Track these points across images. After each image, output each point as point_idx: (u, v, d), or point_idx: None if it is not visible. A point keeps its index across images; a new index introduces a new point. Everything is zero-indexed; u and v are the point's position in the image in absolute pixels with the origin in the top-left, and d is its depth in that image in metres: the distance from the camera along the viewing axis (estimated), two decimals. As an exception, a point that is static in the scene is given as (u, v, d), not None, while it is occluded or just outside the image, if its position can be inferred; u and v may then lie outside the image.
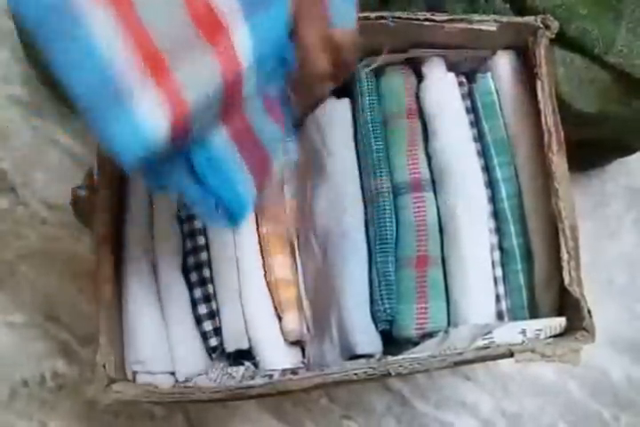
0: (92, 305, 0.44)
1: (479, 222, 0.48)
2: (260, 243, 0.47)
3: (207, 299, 0.46)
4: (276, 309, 0.47)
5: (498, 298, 0.48)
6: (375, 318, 0.47)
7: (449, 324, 0.46)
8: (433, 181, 0.49)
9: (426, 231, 0.47)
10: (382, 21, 0.47)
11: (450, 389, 0.65)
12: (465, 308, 0.46)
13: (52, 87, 0.70)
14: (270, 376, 0.43)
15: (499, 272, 0.48)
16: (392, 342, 0.47)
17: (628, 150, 0.64)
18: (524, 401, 0.65)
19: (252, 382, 0.41)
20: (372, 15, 0.47)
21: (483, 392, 0.65)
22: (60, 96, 0.71)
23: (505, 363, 0.65)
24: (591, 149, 0.60)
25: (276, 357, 0.46)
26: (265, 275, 0.47)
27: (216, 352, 0.46)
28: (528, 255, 0.47)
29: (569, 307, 0.43)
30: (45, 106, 0.74)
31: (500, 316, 0.48)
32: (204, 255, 0.47)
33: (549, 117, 0.45)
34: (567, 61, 0.51)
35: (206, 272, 0.46)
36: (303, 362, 0.48)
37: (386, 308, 0.46)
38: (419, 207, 0.48)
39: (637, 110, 0.53)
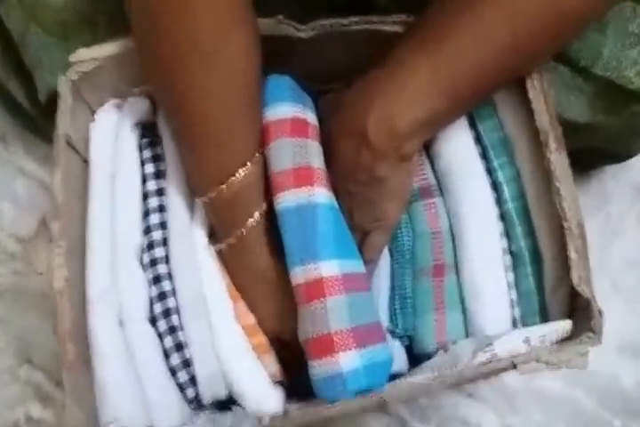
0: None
1: (487, 226, 0.46)
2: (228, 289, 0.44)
3: (179, 347, 0.43)
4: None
5: (512, 304, 0.45)
6: (393, 334, 0.46)
7: (466, 335, 0.45)
8: (439, 186, 0.48)
9: (441, 239, 0.46)
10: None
11: (451, 407, 0.62)
12: (481, 317, 0.44)
13: (18, 113, 0.66)
14: (260, 420, 0.40)
15: (510, 277, 0.46)
16: (412, 355, 0.47)
17: (620, 158, 0.62)
18: (531, 416, 0.62)
19: None
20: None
21: (486, 409, 0.62)
22: (25, 123, 0.67)
23: (508, 376, 0.63)
24: (584, 156, 0.57)
25: (261, 401, 0.41)
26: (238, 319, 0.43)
27: (194, 403, 0.43)
28: (537, 258, 0.45)
29: (578, 309, 0.41)
30: (10, 132, 0.70)
31: (513, 323, 0.45)
32: (171, 302, 0.43)
33: (543, 115, 0.42)
34: (551, 67, 0.49)
35: (175, 320, 0.43)
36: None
37: (399, 323, 0.46)
38: (431, 214, 0.47)
39: (626, 120, 0.51)
